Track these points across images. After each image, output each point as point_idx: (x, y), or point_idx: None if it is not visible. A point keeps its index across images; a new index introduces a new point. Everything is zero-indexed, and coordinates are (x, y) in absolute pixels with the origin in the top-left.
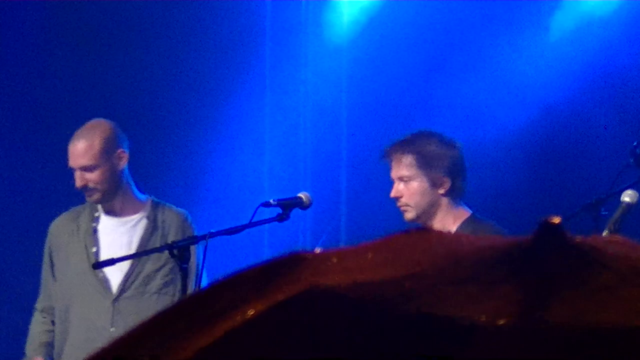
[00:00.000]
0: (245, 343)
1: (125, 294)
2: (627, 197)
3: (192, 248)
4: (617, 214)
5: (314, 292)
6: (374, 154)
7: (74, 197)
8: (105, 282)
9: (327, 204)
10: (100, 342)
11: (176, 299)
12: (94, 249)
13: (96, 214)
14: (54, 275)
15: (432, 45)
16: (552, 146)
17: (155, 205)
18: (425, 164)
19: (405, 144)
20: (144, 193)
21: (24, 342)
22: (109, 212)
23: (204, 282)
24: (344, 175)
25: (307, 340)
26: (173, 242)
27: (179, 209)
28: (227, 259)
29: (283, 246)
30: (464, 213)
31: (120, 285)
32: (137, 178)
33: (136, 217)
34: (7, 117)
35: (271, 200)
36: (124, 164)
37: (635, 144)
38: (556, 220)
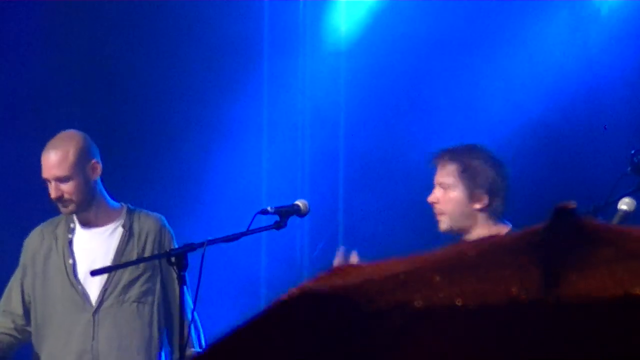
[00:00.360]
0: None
1: (105, 305)
2: (625, 205)
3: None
4: (614, 221)
5: (305, 298)
6: (372, 161)
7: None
8: (84, 294)
9: (325, 212)
10: (81, 354)
11: (156, 307)
12: (71, 261)
13: (72, 225)
14: (22, 289)
15: (432, 46)
16: (550, 154)
17: (130, 213)
18: (467, 176)
19: (453, 152)
20: (117, 201)
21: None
22: (84, 223)
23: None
24: (341, 182)
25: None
26: (170, 250)
27: (154, 213)
28: (224, 266)
29: (280, 254)
30: (504, 228)
31: (99, 296)
32: (133, 185)
33: (111, 226)
34: None
35: (268, 208)
36: (97, 174)
37: (633, 152)
38: (571, 205)
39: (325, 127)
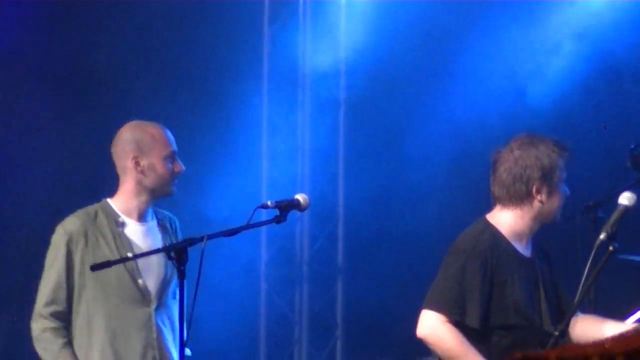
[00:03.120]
0: None
1: (162, 300)
2: (625, 199)
3: None
4: (614, 216)
5: None
6: (372, 156)
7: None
8: (145, 289)
9: (325, 206)
10: (145, 350)
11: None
12: (130, 255)
13: (119, 219)
14: (71, 280)
15: (431, 43)
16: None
17: (155, 210)
18: None
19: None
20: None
21: (21, 346)
22: (138, 215)
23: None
24: (341, 177)
25: None
26: (170, 245)
27: (167, 212)
28: (224, 260)
29: (280, 248)
30: None
31: (158, 291)
32: None
33: (154, 222)
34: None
35: (268, 202)
36: None
37: (632, 146)
38: None
39: (325, 123)
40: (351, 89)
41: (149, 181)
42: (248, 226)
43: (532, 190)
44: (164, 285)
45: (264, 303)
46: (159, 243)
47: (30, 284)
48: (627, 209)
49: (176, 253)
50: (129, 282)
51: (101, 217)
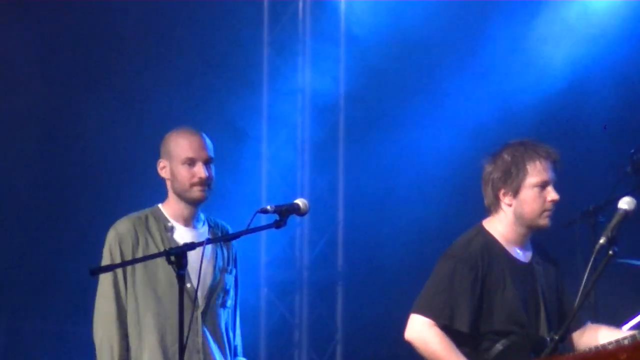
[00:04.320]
0: None
1: (210, 305)
2: (625, 204)
3: (236, 258)
4: (614, 221)
5: None
6: (371, 159)
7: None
8: (193, 293)
9: (324, 211)
10: (192, 352)
11: (231, 313)
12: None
13: (169, 224)
14: (126, 283)
15: (431, 44)
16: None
17: (207, 217)
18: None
19: (554, 149)
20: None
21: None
22: (185, 220)
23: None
24: (341, 181)
25: None
26: (170, 249)
27: (223, 221)
28: None
29: (280, 252)
30: None
31: (206, 296)
32: (136, 186)
33: (204, 228)
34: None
35: (268, 207)
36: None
37: (632, 151)
38: None
39: (324, 128)
40: (351, 92)
41: (174, 186)
42: (248, 231)
43: (498, 194)
44: (211, 290)
45: (264, 307)
46: (207, 250)
47: (30, 285)
48: (627, 213)
49: (175, 258)
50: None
51: (151, 221)
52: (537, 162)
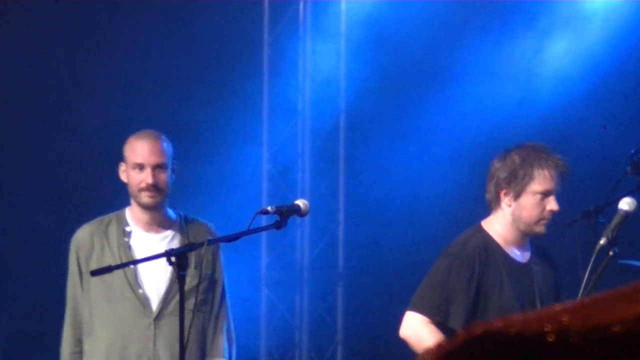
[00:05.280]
0: None
1: (166, 311)
2: (625, 204)
3: (217, 261)
4: (614, 221)
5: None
6: (372, 161)
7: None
8: (145, 299)
9: (325, 211)
10: (139, 358)
11: (209, 317)
12: (132, 266)
13: (127, 228)
14: (82, 288)
15: (432, 45)
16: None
17: (184, 219)
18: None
19: (563, 159)
20: (172, 207)
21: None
22: (146, 224)
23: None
24: (341, 182)
25: None
26: (170, 250)
27: (204, 220)
28: (224, 266)
29: (280, 253)
30: None
31: (160, 302)
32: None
33: (169, 232)
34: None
35: (269, 208)
36: (175, 176)
37: (633, 151)
38: None
39: (325, 128)
40: (352, 93)
41: (129, 191)
42: (248, 232)
43: (500, 192)
44: (171, 295)
45: (265, 308)
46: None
47: (30, 285)
48: (627, 214)
49: (176, 258)
50: (129, 291)
51: (112, 226)
52: (545, 171)
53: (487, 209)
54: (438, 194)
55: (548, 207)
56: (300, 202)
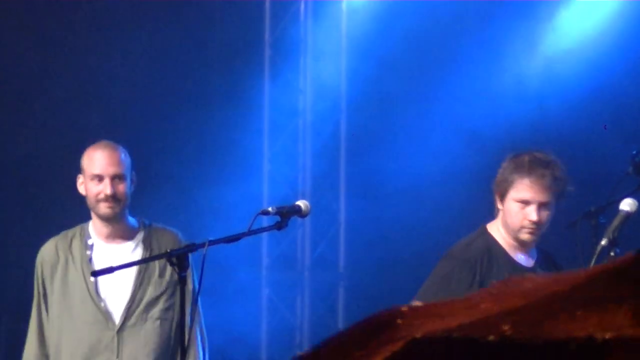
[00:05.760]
0: None
1: (129, 322)
2: (626, 205)
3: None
4: (616, 222)
5: (412, 345)
6: (373, 162)
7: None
8: (107, 312)
9: (326, 212)
10: None
11: (174, 324)
12: (92, 279)
13: (89, 241)
14: (47, 311)
15: (433, 45)
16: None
17: (147, 228)
18: (560, 193)
19: (554, 171)
20: (132, 215)
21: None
22: (107, 236)
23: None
24: (342, 183)
25: None
26: (171, 251)
27: (170, 228)
28: (225, 267)
29: (281, 253)
30: None
31: (123, 314)
32: (135, 187)
33: (132, 243)
34: None
35: (270, 208)
36: (134, 186)
37: (634, 152)
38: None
39: (326, 129)
40: (353, 92)
41: (88, 203)
42: (249, 232)
43: (495, 195)
44: (134, 305)
45: (266, 308)
46: (131, 268)
47: (31, 285)
48: (628, 214)
49: (177, 259)
50: (91, 304)
51: (76, 239)
52: (526, 179)
53: (490, 212)
54: (440, 195)
55: (528, 217)
56: (301, 203)
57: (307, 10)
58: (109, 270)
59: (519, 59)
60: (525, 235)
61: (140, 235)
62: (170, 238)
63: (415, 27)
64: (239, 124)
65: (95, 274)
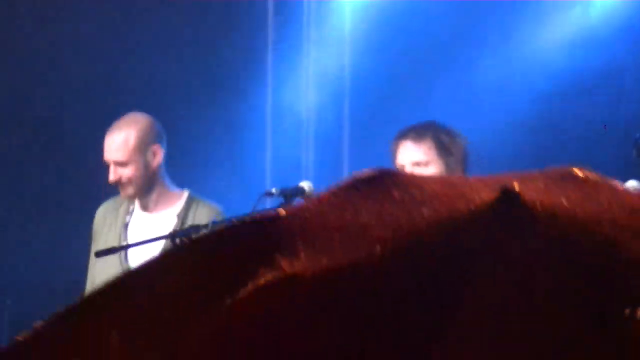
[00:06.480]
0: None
1: None
2: (630, 189)
3: None
4: None
5: (286, 282)
6: (377, 144)
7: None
8: None
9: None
10: None
11: None
12: (125, 244)
13: (131, 207)
14: (91, 266)
15: (434, 43)
16: (554, 139)
17: (189, 201)
18: (444, 150)
19: (421, 130)
20: (181, 187)
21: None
22: (143, 207)
23: None
24: (346, 164)
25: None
26: (175, 231)
27: (213, 203)
28: None
29: None
30: None
31: None
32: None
33: (167, 214)
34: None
35: (273, 190)
36: (158, 160)
37: (638, 135)
38: (515, 186)
39: (330, 111)
40: (356, 84)
41: None
42: (253, 214)
43: None
44: None
45: None
46: (160, 234)
47: (33, 273)
48: None
49: (181, 240)
50: (118, 268)
51: (124, 204)
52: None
53: None
54: None
55: None
56: (305, 184)
57: (310, 8)
58: (112, 250)
59: (522, 50)
60: None
61: (178, 207)
62: (207, 213)
63: (420, 22)
64: (240, 105)
65: (98, 254)
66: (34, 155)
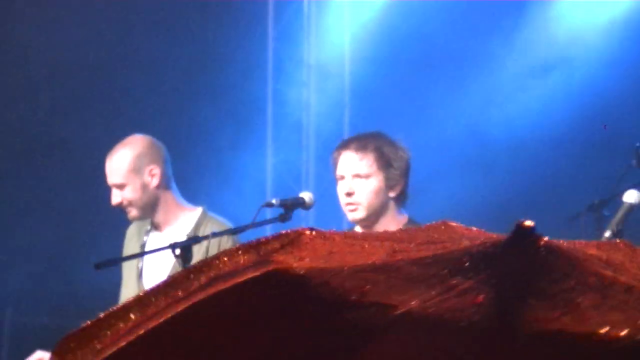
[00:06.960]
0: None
1: None
2: (630, 197)
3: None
4: (619, 214)
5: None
6: None
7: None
8: None
9: (330, 204)
10: None
11: None
12: (140, 264)
13: (148, 227)
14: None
15: (436, 45)
16: (555, 147)
17: (201, 219)
18: (385, 163)
19: (364, 142)
20: (196, 204)
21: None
22: (155, 226)
23: None
24: None
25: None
26: (175, 243)
27: (223, 221)
28: None
29: None
30: (405, 218)
31: None
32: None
33: (178, 232)
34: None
35: (273, 201)
36: (158, 179)
37: (638, 144)
38: (529, 223)
39: (330, 121)
40: (356, 87)
41: None
42: (253, 225)
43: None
44: None
45: None
46: (169, 255)
47: (36, 279)
48: (632, 206)
49: (181, 251)
50: (135, 287)
51: (147, 224)
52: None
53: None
54: (444, 186)
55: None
56: (305, 195)
57: (310, 4)
58: (112, 261)
59: (524, 54)
60: (348, 215)
61: (190, 224)
62: (217, 229)
63: (421, 19)
64: (241, 116)
65: (97, 266)
66: (35, 168)
